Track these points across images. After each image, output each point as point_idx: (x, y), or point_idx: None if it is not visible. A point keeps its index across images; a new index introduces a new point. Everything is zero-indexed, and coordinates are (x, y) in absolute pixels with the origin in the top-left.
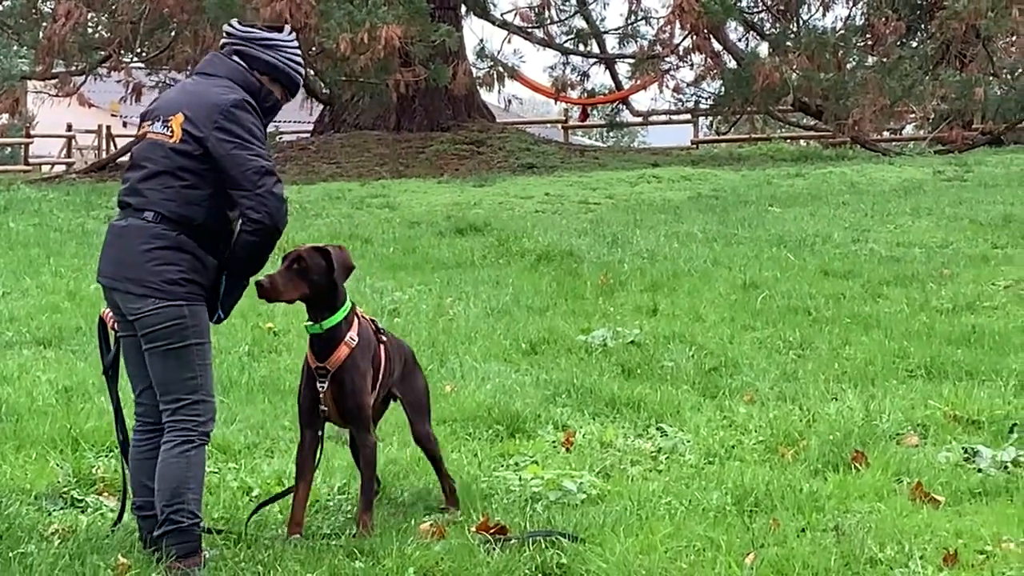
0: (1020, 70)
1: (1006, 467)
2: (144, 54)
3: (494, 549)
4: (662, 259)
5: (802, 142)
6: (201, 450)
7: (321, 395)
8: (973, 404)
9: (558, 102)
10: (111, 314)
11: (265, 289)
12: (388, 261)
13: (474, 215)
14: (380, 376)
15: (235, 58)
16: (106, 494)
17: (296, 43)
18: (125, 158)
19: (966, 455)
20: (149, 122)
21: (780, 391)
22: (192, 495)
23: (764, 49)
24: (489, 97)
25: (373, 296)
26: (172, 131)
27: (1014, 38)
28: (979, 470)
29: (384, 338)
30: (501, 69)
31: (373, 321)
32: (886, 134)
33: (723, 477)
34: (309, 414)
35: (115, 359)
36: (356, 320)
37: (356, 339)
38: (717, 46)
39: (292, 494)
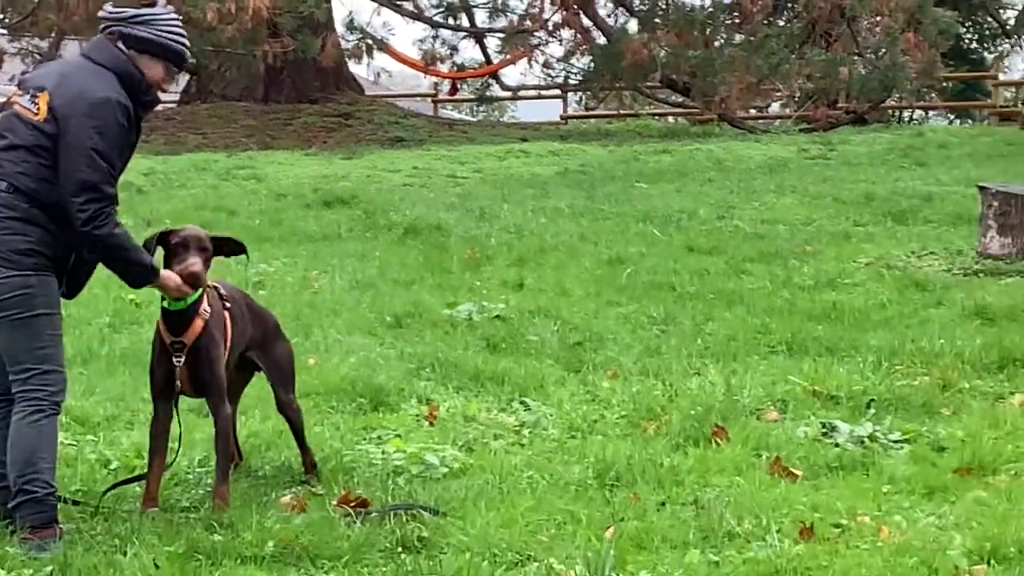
0: (884, 50)
1: (863, 442)
2: (6, 20)
3: (355, 522)
4: (529, 234)
5: (670, 119)
6: (53, 419)
7: (176, 369)
8: (832, 380)
9: (427, 76)
10: None
11: (201, 280)
12: (254, 233)
13: (341, 188)
14: (227, 343)
15: (119, 44)
16: None
17: (174, 15)
18: None
19: (824, 430)
20: (20, 93)
21: (643, 366)
22: (45, 464)
23: (633, 25)
24: (358, 69)
25: (238, 268)
26: (39, 108)
27: (878, 18)
28: (836, 445)
29: (228, 304)
30: (370, 41)
31: (216, 288)
32: (753, 112)
33: (585, 451)
34: (163, 388)
35: None
36: (208, 293)
37: (208, 311)
38: (587, 22)
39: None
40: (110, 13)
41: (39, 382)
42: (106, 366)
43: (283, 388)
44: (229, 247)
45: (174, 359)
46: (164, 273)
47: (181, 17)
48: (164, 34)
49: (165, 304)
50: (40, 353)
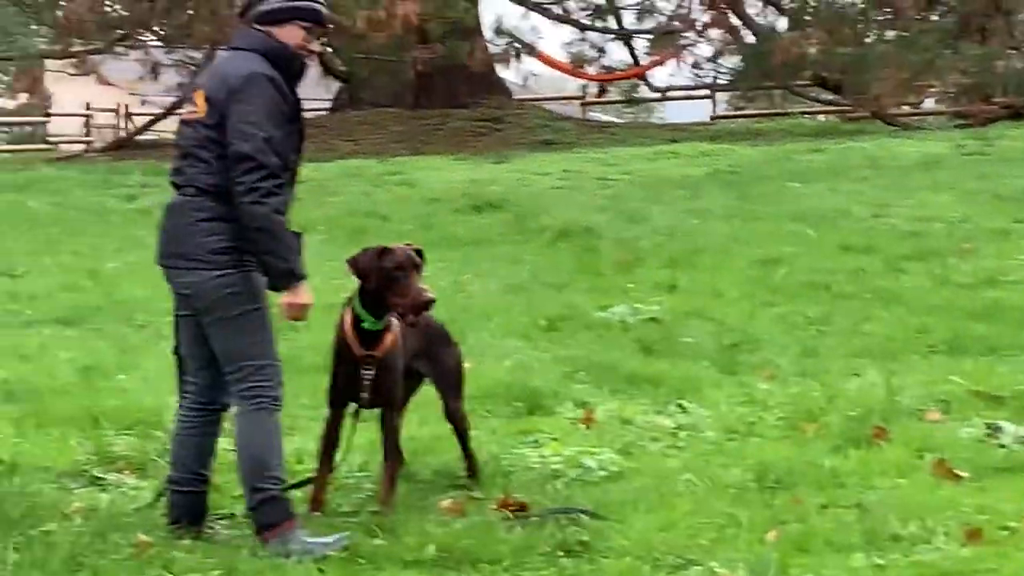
0: None
1: None
2: (162, 32)
3: (514, 526)
4: (681, 235)
5: (821, 117)
6: (276, 415)
7: (364, 382)
8: (995, 379)
9: (575, 78)
10: None
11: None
12: (406, 238)
13: (492, 192)
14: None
15: (255, 25)
16: (127, 472)
17: None
18: (143, 136)
19: (988, 431)
20: (184, 106)
21: (801, 367)
22: (275, 461)
23: (783, 24)
24: (506, 74)
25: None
26: (198, 106)
27: None
28: (1002, 446)
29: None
30: (518, 45)
31: None
32: (906, 108)
33: (743, 454)
34: (344, 398)
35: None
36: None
37: (395, 324)
38: (735, 21)
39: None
40: (242, 5)
41: (257, 379)
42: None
43: (451, 396)
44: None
45: (363, 372)
46: (303, 288)
47: (333, 25)
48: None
49: (365, 325)
50: (254, 350)
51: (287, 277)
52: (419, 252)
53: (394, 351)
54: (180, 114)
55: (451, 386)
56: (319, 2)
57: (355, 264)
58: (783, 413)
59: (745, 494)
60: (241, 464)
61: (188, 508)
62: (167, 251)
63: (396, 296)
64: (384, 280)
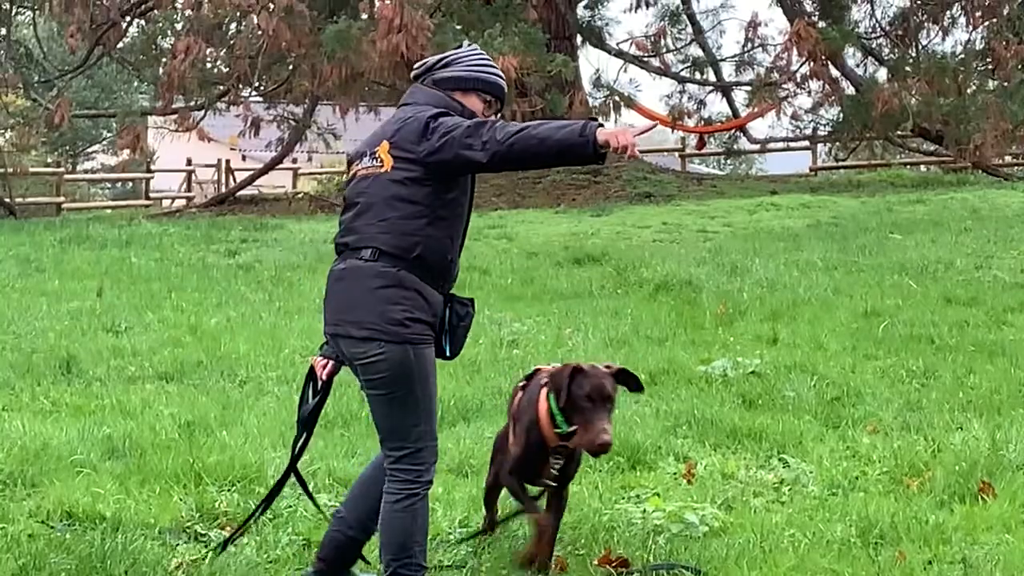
0: None
1: None
2: (262, 88)
3: None
4: (782, 287)
5: (922, 168)
6: (424, 500)
7: (552, 470)
8: None
9: (675, 130)
10: (322, 361)
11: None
12: (506, 292)
13: (592, 245)
14: None
15: (432, 87)
16: (229, 528)
17: (479, 52)
18: (244, 191)
19: None
20: (357, 161)
21: (904, 421)
22: (418, 547)
23: (883, 75)
24: (607, 126)
25: (492, 328)
26: (382, 160)
27: None
28: None
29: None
30: (617, 98)
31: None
32: (1008, 159)
33: (847, 509)
34: (529, 477)
35: (313, 414)
36: None
37: None
38: (835, 72)
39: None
40: (419, 67)
41: (410, 462)
42: (366, 428)
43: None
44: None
45: (552, 459)
46: (603, 131)
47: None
48: (471, 68)
49: (559, 431)
50: (413, 431)
51: (585, 142)
52: (619, 374)
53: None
54: (356, 171)
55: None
56: (500, 76)
57: (553, 379)
58: (886, 467)
59: (849, 550)
60: (384, 546)
61: (338, 551)
62: (339, 318)
63: (577, 423)
64: (571, 402)
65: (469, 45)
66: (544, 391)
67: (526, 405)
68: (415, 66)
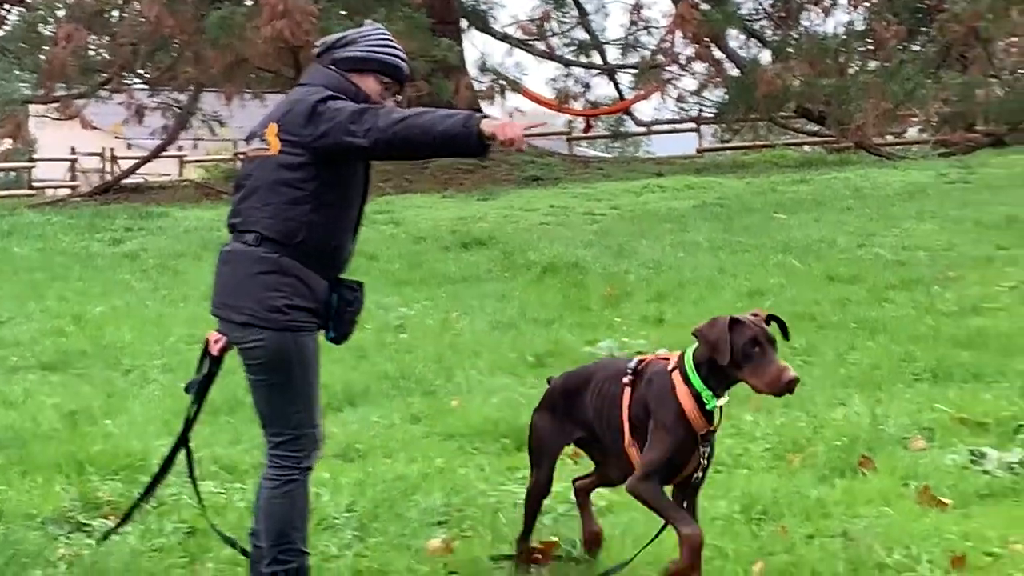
0: (1021, 71)
1: (1012, 468)
2: (146, 75)
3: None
4: (668, 269)
5: (806, 148)
6: (304, 485)
7: (703, 459)
8: (979, 406)
9: (561, 114)
10: (215, 336)
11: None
12: (394, 277)
13: (479, 229)
14: None
15: (330, 66)
16: (112, 518)
17: (382, 31)
18: (129, 180)
19: (973, 457)
20: (248, 143)
21: (787, 398)
22: (298, 533)
23: (766, 56)
24: (492, 110)
25: (379, 312)
26: (269, 143)
27: (1014, 39)
28: (986, 472)
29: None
30: (503, 82)
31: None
32: (889, 138)
33: (731, 485)
34: (678, 474)
35: (202, 385)
36: None
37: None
38: (719, 54)
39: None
40: (321, 43)
41: (289, 448)
42: (251, 415)
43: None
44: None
45: (701, 448)
46: (488, 120)
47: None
48: (371, 49)
49: (709, 405)
50: (293, 418)
51: (470, 133)
52: (769, 320)
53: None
54: (246, 152)
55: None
56: (400, 57)
57: (705, 337)
58: (769, 444)
59: (732, 525)
60: (265, 532)
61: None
62: (221, 301)
63: (752, 376)
64: (739, 356)
65: (372, 25)
66: (676, 375)
67: (657, 399)
68: (316, 43)
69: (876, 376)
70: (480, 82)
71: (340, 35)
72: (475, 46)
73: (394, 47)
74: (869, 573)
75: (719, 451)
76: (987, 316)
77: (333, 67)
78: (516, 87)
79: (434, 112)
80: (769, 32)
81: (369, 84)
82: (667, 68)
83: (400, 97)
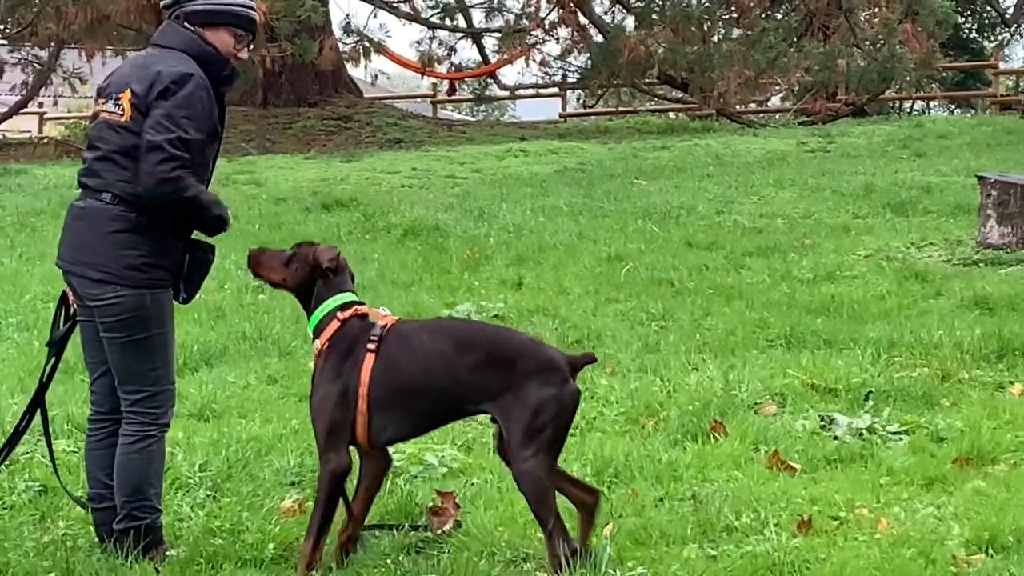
0: (882, 41)
1: (861, 434)
2: (6, 31)
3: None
4: (528, 233)
5: (670, 115)
6: (161, 442)
7: None
8: (830, 372)
9: (426, 77)
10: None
11: (250, 256)
12: (254, 238)
13: (341, 191)
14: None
15: (186, 24)
16: None
17: None
18: None
19: (823, 423)
20: (103, 100)
21: (642, 363)
22: (154, 490)
23: (630, 22)
24: (356, 72)
25: (237, 274)
26: (123, 109)
27: (876, 9)
28: (835, 437)
29: (371, 345)
30: (367, 44)
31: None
32: (752, 106)
33: (584, 449)
34: None
35: (63, 339)
36: (334, 323)
37: (323, 346)
38: (583, 19)
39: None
40: None
41: (147, 405)
42: None
43: (517, 449)
44: None
45: None
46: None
47: None
48: (221, 2)
49: None
50: (151, 375)
51: (223, 224)
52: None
53: (314, 376)
54: (100, 111)
55: (518, 434)
56: (251, 8)
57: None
58: (623, 408)
59: None
60: (118, 487)
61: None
62: (75, 257)
63: None
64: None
65: None
66: None
67: None
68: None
69: (731, 342)
70: (344, 43)
71: None
72: (340, 7)
73: None
74: (717, 536)
75: None
76: (841, 284)
77: (187, 23)
78: (380, 49)
79: (210, 197)
80: None
81: (223, 38)
82: (531, 33)
83: (252, 47)
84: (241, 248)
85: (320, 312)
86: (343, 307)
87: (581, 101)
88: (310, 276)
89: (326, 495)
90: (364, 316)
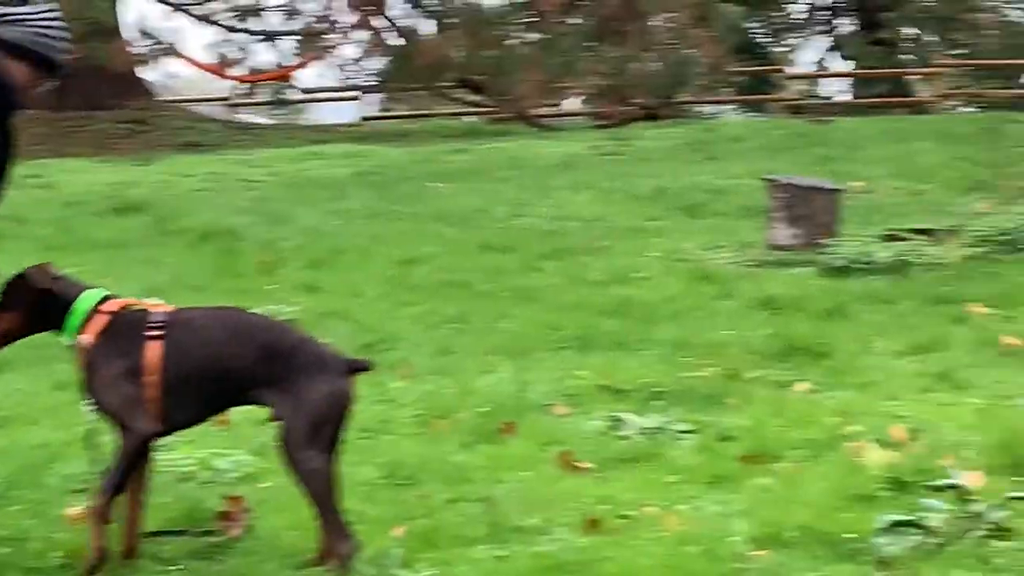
0: (675, 46)
1: (649, 433)
2: None
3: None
4: (323, 236)
5: (472, 118)
6: None
7: None
8: (620, 373)
9: (222, 79)
10: None
11: None
12: (44, 243)
13: (133, 195)
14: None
15: None
16: None
17: (49, 14)
18: None
19: (612, 423)
20: None
21: (436, 365)
22: None
23: (428, 26)
24: (149, 75)
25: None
26: None
27: (669, 15)
28: (624, 437)
29: (156, 332)
30: (162, 46)
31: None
32: (549, 110)
33: (376, 451)
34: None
35: None
36: (100, 318)
37: (94, 340)
38: (381, 23)
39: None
40: None
41: None
42: None
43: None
44: None
45: None
46: None
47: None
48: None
49: None
50: None
51: None
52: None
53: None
54: None
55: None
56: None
57: None
58: (417, 410)
59: (376, 491)
60: None
61: None
62: None
63: None
64: None
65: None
66: None
67: None
68: None
69: (524, 344)
70: (138, 46)
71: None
72: (132, 9)
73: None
74: (506, 536)
75: (365, 417)
76: (633, 285)
77: None
78: (175, 52)
79: None
80: (433, 2)
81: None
82: (328, 35)
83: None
84: (30, 252)
85: (78, 315)
86: (102, 302)
87: (380, 105)
88: (39, 305)
89: (127, 454)
90: (132, 307)
